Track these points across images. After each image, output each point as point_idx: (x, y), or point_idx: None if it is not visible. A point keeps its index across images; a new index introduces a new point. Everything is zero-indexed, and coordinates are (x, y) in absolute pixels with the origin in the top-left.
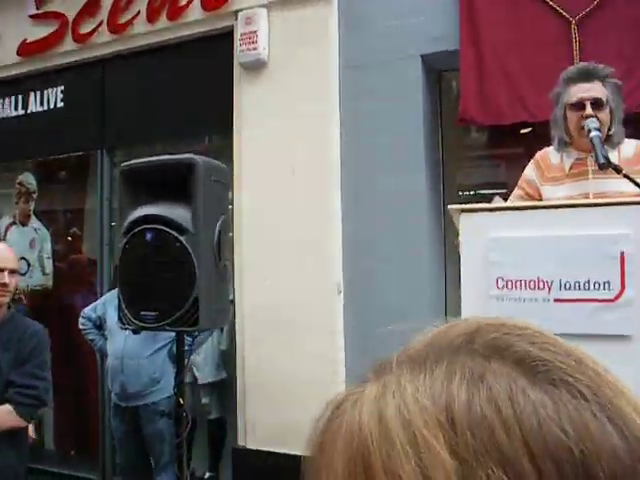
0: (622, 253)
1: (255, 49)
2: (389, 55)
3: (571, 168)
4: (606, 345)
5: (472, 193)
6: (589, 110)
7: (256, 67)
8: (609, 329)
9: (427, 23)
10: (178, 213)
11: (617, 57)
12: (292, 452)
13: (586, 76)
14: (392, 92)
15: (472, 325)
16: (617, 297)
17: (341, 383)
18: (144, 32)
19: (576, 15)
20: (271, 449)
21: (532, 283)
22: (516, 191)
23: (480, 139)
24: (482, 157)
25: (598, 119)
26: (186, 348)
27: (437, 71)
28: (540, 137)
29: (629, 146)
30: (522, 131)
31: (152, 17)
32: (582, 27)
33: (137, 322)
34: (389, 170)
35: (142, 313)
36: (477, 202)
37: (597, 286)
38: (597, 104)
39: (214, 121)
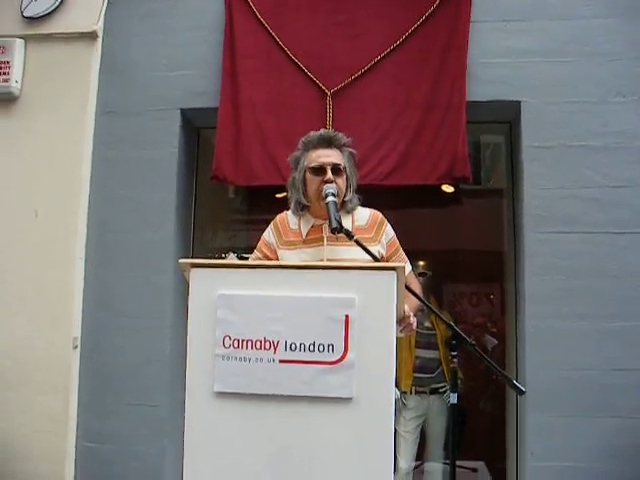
0: (347, 317)
1: (6, 81)
2: (148, 105)
3: (308, 234)
4: (329, 407)
5: (224, 255)
6: (330, 175)
7: (6, 100)
8: (332, 391)
9: (189, 78)
10: None
11: (373, 130)
12: None
13: (326, 143)
14: (148, 143)
15: None
16: (340, 360)
17: (71, 444)
18: None
19: (332, 88)
20: None
21: (258, 343)
22: (255, 253)
23: (236, 201)
24: (238, 219)
25: (337, 185)
26: None
27: (196, 127)
28: None
29: (363, 214)
30: (278, 195)
31: None
32: (336, 99)
33: None
34: (138, 222)
35: None
36: None
37: (322, 348)
38: (336, 170)
39: None
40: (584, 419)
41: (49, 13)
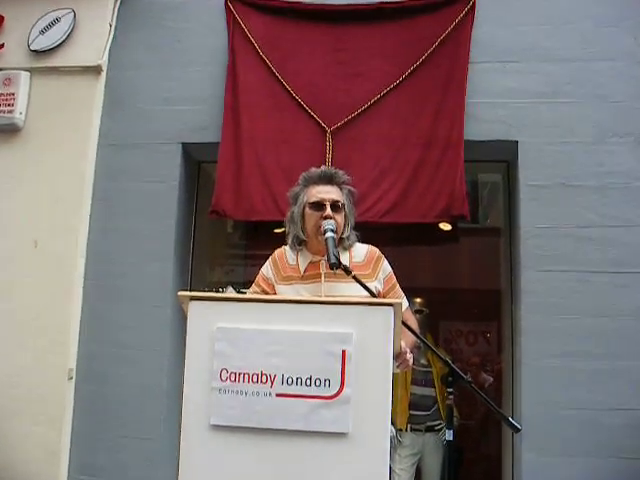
0: (344, 352)
1: (11, 112)
2: (150, 139)
3: (306, 270)
4: (325, 442)
5: (222, 289)
6: (329, 211)
7: (9, 131)
8: (327, 426)
9: (191, 112)
10: None
11: (372, 167)
12: None
13: (326, 179)
14: (149, 176)
15: None
16: (336, 395)
17: (64, 477)
18: None
19: (332, 125)
20: None
21: (255, 376)
22: (253, 288)
23: (235, 235)
24: (236, 254)
25: (335, 221)
26: None
27: (197, 161)
28: None
29: (361, 250)
30: (276, 230)
31: None
32: (337, 136)
33: None
34: (136, 254)
35: None
36: None
37: (318, 383)
38: (335, 207)
39: None
40: (581, 459)
41: (55, 47)
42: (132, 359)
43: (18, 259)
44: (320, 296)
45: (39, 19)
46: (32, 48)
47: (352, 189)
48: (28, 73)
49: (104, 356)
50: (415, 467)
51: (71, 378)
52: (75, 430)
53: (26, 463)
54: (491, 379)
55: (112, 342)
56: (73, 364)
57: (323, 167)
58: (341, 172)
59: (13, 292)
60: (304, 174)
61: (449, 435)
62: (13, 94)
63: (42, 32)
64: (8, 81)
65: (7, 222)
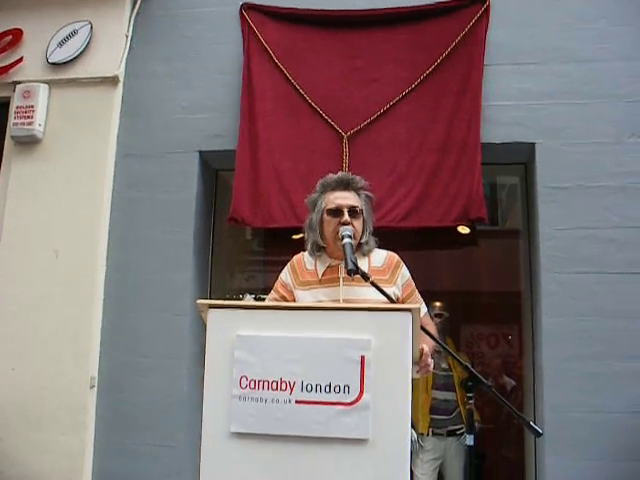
0: (363, 358)
1: (30, 124)
2: (167, 148)
3: (324, 274)
4: (345, 449)
5: (240, 296)
6: (347, 217)
7: (29, 142)
8: (347, 433)
9: (208, 121)
10: None
11: (389, 172)
12: None
13: (343, 185)
14: (166, 185)
15: None
16: (355, 401)
17: None
18: None
19: (348, 131)
20: None
21: (275, 383)
22: (272, 294)
23: (253, 242)
24: (255, 261)
25: (353, 227)
26: None
27: (214, 169)
28: None
29: (379, 256)
30: (294, 237)
31: None
32: (353, 142)
33: None
34: (156, 263)
35: None
36: None
37: (338, 389)
38: (353, 212)
39: None
40: (604, 462)
41: (73, 59)
42: (153, 367)
43: (39, 269)
44: (339, 300)
45: (57, 32)
46: (50, 61)
47: (370, 194)
48: (47, 85)
49: (125, 365)
50: (437, 472)
51: (93, 387)
52: (98, 438)
53: (50, 471)
54: (513, 382)
55: (133, 351)
56: (95, 373)
57: (340, 173)
58: (358, 178)
59: (35, 302)
60: (321, 181)
61: (470, 440)
62: (32, 106)
63: (60, 45)
64: (27, 94)
65: (28, 233)
